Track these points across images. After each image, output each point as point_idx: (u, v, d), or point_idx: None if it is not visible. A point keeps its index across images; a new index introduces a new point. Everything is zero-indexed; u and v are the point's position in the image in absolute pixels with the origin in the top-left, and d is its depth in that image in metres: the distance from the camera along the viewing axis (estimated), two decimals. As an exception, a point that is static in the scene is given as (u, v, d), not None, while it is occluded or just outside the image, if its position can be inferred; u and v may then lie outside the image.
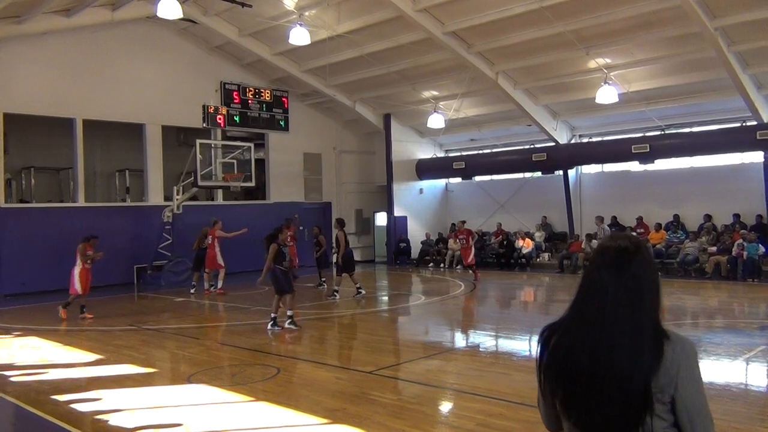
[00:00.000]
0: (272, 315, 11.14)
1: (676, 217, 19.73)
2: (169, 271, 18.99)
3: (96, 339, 10.84)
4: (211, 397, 7.04)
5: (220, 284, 16.69)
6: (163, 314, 14.00)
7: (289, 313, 11.09)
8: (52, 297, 16.31)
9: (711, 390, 6.90)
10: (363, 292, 14.85)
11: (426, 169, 25.58)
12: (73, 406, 6.89)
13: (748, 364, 8.03)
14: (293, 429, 5.89)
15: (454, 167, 24.44)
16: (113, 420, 6.34)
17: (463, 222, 19.32)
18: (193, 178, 18.61)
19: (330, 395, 7.04)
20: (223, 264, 16.71)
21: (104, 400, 7.06)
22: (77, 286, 12.86)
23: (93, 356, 9.43)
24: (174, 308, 14.75)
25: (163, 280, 18.72)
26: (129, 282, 19.19)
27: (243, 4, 17.47)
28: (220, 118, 20.78)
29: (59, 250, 17.83)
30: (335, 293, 14.74)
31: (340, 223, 15.11)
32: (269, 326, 11.04)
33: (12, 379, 8.27)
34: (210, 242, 16.74)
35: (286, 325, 11.01)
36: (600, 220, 19.68)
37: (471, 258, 18.39)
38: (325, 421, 6.05)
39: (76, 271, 12.92)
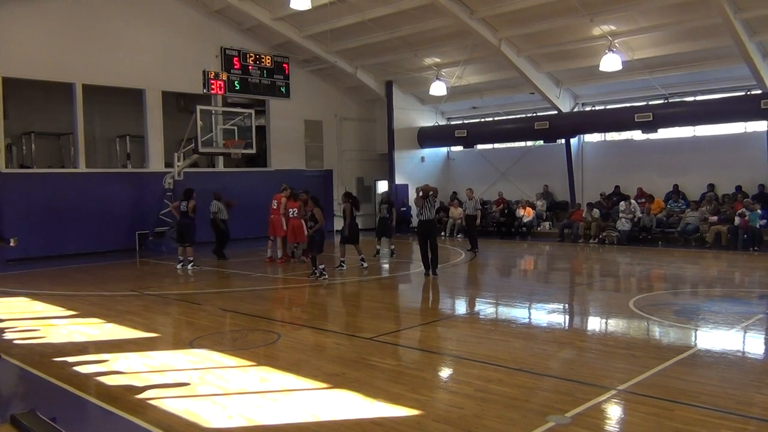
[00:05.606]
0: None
1: (675, 186, 19.70)
2: (171, 238, 19.04)
3: (98, 304, 10.92)
4: (213, 362, 7.12)
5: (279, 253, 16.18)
6: (165, 280, 14.09)
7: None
8: (53, 262, 16.42)
9: (708, 357, 6.97)
10: (365, 264, 14.59)
11: (427, 137, 25.47)
12: (76, 368, 6.97)
13: (745, 332, 8.09)
14: (294, 393, 5.95)
15: (455, 135, 24.35)
16: (116, 382, 6.42)
17: (287, 187, 16.19)
18: (193, 144, 18.53)
19: (330, 360, 7.11)
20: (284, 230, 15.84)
21: (107, 363, 7.14)
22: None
23: (95, 321, 9.51)
24: (175, 274, 14.81)
25: (165, 246, 18.79)
26: (131, 248, 19.28)
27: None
28: (214, 89, 20.11)
29: (60, 216, 17.93)
30: (342, 264, 14.47)
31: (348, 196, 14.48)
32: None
33: (16, 342, 8.35)
34: (275, 207, 16.09)
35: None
36: (471, 191, 18.49)
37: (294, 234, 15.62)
38: (325, 385, 6.13)
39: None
